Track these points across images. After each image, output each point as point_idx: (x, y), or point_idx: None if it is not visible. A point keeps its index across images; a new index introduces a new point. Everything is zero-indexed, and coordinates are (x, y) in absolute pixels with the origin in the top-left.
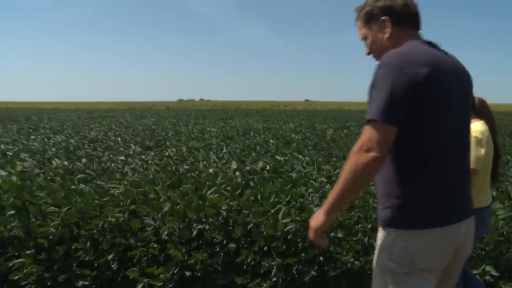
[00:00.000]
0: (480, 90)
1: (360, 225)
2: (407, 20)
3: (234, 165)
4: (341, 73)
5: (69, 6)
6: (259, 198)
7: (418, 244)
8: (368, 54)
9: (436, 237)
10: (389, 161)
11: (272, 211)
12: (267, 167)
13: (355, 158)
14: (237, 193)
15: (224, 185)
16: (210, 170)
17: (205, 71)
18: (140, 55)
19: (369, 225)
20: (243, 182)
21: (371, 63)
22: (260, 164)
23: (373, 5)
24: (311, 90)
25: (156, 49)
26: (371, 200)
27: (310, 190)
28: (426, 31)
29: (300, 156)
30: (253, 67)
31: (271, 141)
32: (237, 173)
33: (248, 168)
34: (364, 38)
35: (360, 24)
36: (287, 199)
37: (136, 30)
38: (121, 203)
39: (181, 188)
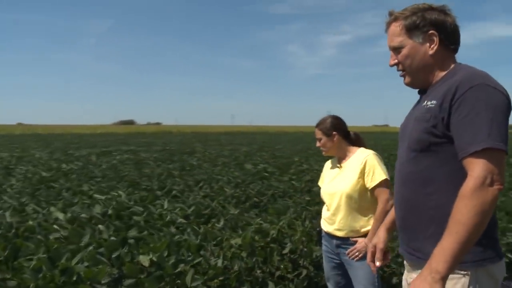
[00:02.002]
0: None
1: (260, 271)
2: (454, 42)
3: (58, 212)
4: (54, 97)
5: None
6: (145, 258)
7: (501, 276)
8: (394, 65)
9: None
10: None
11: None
12: (109, 212)
13: (480, 196)
14: (114, 255)
15: (93, 246)
16: (55, 226)
17: None
18: None
19: (270, 270)
20: (114, 238)
21: (83, 86)
22: (98, 209)
23: (421, 15)
24: (24, 113)
25: None
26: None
27: (199, 237)
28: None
29: (120, 192)
30: None
31: (43, 173)
32: (100, 226)
33: (84, 215)
34: (398, 47)
35: (397, 30)
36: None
37: None
38: None
39: (19, 261)
